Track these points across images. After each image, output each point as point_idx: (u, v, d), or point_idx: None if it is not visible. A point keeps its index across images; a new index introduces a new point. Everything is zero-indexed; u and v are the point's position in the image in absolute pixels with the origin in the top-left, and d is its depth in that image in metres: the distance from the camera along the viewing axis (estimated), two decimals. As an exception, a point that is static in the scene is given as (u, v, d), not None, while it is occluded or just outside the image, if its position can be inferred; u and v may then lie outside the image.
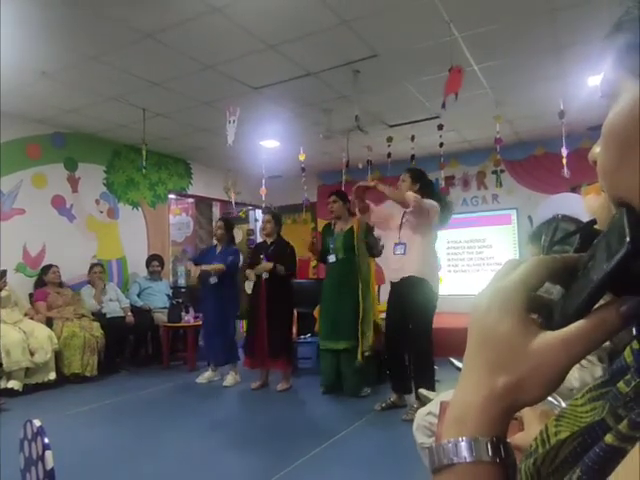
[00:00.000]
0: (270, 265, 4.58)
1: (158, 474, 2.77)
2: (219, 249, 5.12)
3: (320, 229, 7.86)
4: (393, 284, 3.90)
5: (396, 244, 3.87)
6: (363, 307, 4.30)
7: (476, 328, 0.38)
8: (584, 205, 1.13)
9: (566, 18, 3.42)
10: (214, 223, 8.83)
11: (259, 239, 8.31)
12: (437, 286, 3.81)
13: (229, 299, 5.04)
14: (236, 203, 7.37)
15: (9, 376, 4.32)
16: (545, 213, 1.41)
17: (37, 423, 1.27)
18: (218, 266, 4.90)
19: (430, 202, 3.65)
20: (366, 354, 4.25)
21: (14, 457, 1.38)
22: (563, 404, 1.00)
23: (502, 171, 5.73)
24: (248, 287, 5.16)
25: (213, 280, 4.94)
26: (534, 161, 6.73)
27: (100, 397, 4.37)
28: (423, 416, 1.83)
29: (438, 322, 3.92)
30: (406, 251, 3.80)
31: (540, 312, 0.38)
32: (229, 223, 5.30)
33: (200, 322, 5.47)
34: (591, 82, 4.53)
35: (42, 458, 1.23)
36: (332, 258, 4.45)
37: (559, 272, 0.37)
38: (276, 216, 4.94)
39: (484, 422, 0.35)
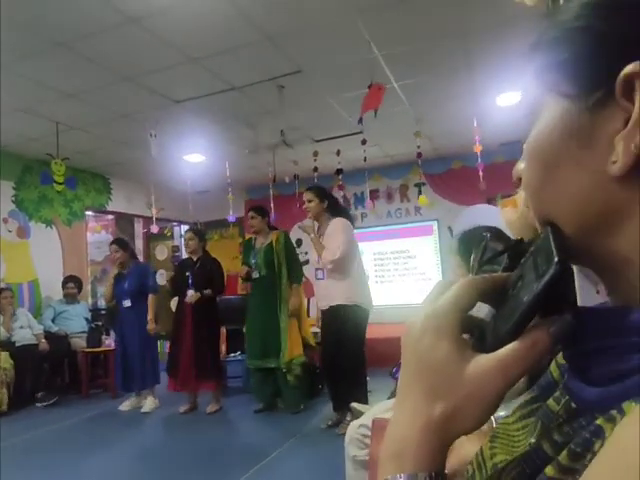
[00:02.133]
0: (197, 295, 4.44)
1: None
2: (127, 271, 4.79)
3: (248, 244, 7.81)
4: (322, 311, 3.77)
5: (316, 269, 3.71)
6: (280, 326, 4.20)
7: (410, 354, 0.37)
8: (502, 217, 1.18)
9: (477, 39, 3.63)
10: (136, 240, 8.49)
11: (184, 255, 8.08)
12: (368, 302, 3.69)
13: (145, 321, 4.73)
14: (160, 219, 7.10)
15: None
16: (464, 223, 1.46)
17: None
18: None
19: (342, 245, 3.52)
20: (284, 370, 4.15)
21: None
22: (494, 423, 1.03)
23: (423, 184, 5.95)
24: (173, 305, 4.97)
25: (126, 303, 4.69)
26: (452, 174, 7.06)
27: (9, 434, 3.99)
28: (355, 429, 1.83)
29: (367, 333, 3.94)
30: (325, 276, 3.66)
31: (472, 332, 0.37)
32: (124, 242, 5.01)
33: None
34: (500, 101, 4.82)
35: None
36: (255, 274, 4.35)
37: (489, 292, 0.37)
38: (198, 232, 4.81)
39: (422, 456, 0.34)
